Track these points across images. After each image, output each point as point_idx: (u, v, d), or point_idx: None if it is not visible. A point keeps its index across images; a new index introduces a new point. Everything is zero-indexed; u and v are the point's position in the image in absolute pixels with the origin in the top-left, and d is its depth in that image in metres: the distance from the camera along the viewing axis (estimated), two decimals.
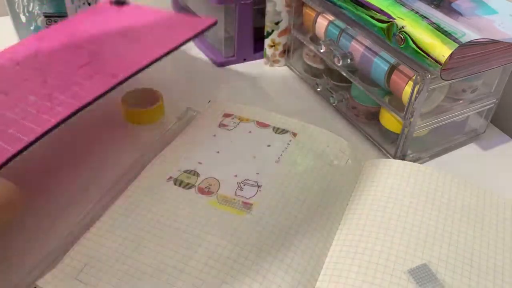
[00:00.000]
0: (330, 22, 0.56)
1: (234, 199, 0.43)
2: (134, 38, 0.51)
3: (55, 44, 0.53)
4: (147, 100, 0.56)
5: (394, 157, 0.51)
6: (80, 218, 0.42)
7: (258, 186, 0.44)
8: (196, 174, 0.45)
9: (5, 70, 0.49)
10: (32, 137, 0.38)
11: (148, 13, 0.57)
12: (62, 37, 0.54)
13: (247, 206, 0.42)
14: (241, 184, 0.44)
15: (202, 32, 0.50)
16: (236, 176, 0.45)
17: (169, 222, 0.40)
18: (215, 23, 0.51)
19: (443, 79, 0.44)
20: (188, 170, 0.46)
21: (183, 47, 0.75)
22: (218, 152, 0.48)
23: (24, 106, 0.43)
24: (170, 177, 0.45)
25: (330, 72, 0.61)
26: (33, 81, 0.46)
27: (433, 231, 0.41)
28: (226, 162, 0.47)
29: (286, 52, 0.69)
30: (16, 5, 0.68)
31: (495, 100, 0.54)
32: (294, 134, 0.51)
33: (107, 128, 0.55)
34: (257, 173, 0.45)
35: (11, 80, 0.47)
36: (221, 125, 0.52)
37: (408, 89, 0.47)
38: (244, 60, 0.70)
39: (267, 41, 0.68)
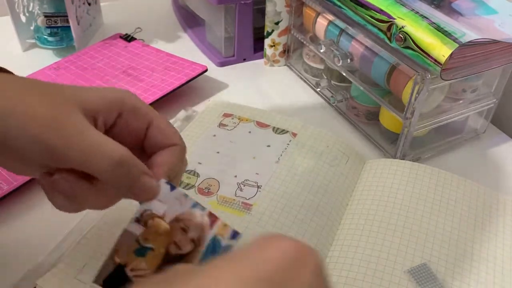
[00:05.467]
0: (330, 22, 0.56)
1: (234, 200, 0.43)
2: (137, 78, 0.61)
3: (69, 75, 0.63)
4: None
5: (394, 157, 0.51)
6: (80, 218, 0.42)
7: (258, 187, 0.44)
8: (196, 174, 0.45)
9: None
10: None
11: (151, 53, 0.67)
12: (75, 69, 0.64)
13: (247, 206, 0.42)
14: (241, 184, 0.44)
15: (193, 78, 0.60)
16: (236, 176, 0.45)
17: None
18: (205, 70, 0.62)
19: (443, 79, 0.44)
20: (188, 170, 0.46)
21: (183, 47, 0.75)
22: (218, 152, 0.48)
23: None
24: None
25: (330, 72, 0.61)
26: None
27: (433, 230, 0.41)
28: (226, 162, 0.47)
29: (286, 52, 0.69)
30: (16, 5, 0.68)
31: (495, 100, 0.54)
32: (294, 134, 0.51)
33: None
34: (257, 174, 0.45)
35: None
36: (221, 125, 0.52)
37: (408, 89, 0.47)
38: (244, 60, 0.70)
39: (267, 41, 0.68)
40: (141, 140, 0.33)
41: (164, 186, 0.29)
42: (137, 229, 0.29)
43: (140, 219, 0.29)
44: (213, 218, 0.29)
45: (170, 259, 0.28)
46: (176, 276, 0.22)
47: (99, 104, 0.30)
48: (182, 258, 0.28)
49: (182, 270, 0.23)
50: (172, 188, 0.30)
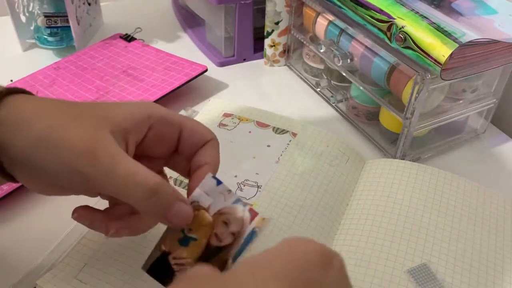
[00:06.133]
0: (330, 22, 0.56)
1: None
2: (137, 78, 0.61)
3: (69, 75, 0.63)
4: None
5: (394, 157, 0.51)
6: None
7: (258, 187, 0.44)
8: None
9: None
10: None
11: (151, 53, 0.67)
12: (75, 69, 0.64)
13: None
14: (241, 184, 0.44)
15: (193, 78, 0.60)
16: (236, 176, 0.45)
17: None
18: (205, 70, 0.62)
19: (443, 79, 0.44)
20: None
21: (183, 47, 0.75)
22: None
23: None
24: (170, 177, 0.45)
25: (330, 72, 0.61)
26: None
27: (433, 230, 0.41)
28: (225, 162, 0.46)
29: (286, 52, 0.69)
30: (16, 5, 0.68)
31: (495, 100, 0.54)
32: (294, 134, 0.51)
33: None
34: (257, 174, 0.45)
35: None
36: (221, 125, 0.52)
37: (408, 89, 0.47)
38: (244, 60, 0.70)
39: (267, 41, 0.68)
40: (174, 145, 0.34)
41: (210, 181, 0.31)
42: None
43: None
44: (253, 214, 0.30)
45: (210, 250, 0.30)
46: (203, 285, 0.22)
47: (128, 123, 0.31)
48: (221, 249, 0.30)
49: (207, 278, 0.23)
50: (218, 183, 0.31)
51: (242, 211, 0.30)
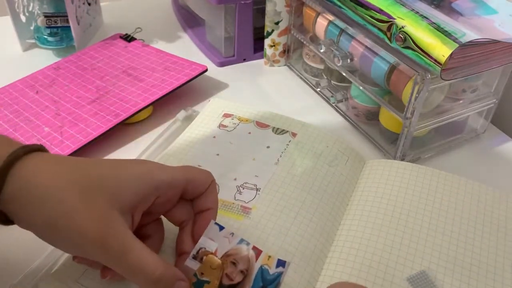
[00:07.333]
0: (330, 22, 0.56)
1: (233, 203, 0.42)
2: (137, 78, 0.61)
3: (69, 75, 0.63)
4: None
5: (395, 157, 0.51)
6: None
7: (257, 190, 0.44)
8: None
9: (27, 97, 0.59)
10: None
11: (151, 53, 0.67)
12: (75, 69, 0.64)
13: (246, 210, 0.42)
14: (240, 188, 0.44)
15: (193, 78, 0.60)
16: (235, 179, 0.45)
17: (167, 228, 0.40)
18: (206, 70, 0.62)
19: (443, 79, 0.43)
20: None
21: (183, 47, 0.75)
22: (218, 154, 0.48)
23: (40, 136, 0.52)
24: None
25: (330, 72, 0.61)
26: (48, 112, 0.56)
27: (433, 235, 0.40)
28: (225, 165, 0.47)
29: (286, 52, 0.69)
30: (16, 5, 0.68)
31: (495, 100, 0.54)
32: (294, 135, 0.51)
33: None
34: (256, 176, 0.45)
35: (32, 109, 0.57)
36: (221, 125, 0.52)
37: (408, 89, 0.47)
38: (244, 60, 0.70)
39: (267, 41, 0.67)
40: (176, 201, 0.36)
41: (214, 227, 0.34)
42: (194, 265, 0.33)
43: (196, 256, 0.33)
44: (258, 251, 0.34)
45: None
46: None
47: (136, 199, 0.32)
48: (234, 287, 0.33)
49: None
50: (221, 228, 0.34)
51: (246, 250, 0.34)
